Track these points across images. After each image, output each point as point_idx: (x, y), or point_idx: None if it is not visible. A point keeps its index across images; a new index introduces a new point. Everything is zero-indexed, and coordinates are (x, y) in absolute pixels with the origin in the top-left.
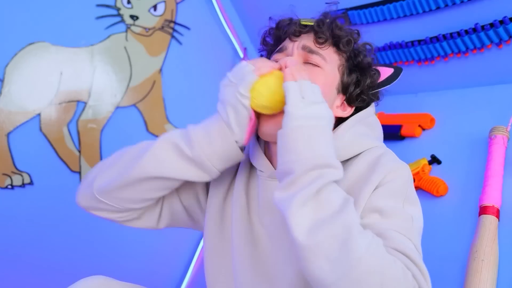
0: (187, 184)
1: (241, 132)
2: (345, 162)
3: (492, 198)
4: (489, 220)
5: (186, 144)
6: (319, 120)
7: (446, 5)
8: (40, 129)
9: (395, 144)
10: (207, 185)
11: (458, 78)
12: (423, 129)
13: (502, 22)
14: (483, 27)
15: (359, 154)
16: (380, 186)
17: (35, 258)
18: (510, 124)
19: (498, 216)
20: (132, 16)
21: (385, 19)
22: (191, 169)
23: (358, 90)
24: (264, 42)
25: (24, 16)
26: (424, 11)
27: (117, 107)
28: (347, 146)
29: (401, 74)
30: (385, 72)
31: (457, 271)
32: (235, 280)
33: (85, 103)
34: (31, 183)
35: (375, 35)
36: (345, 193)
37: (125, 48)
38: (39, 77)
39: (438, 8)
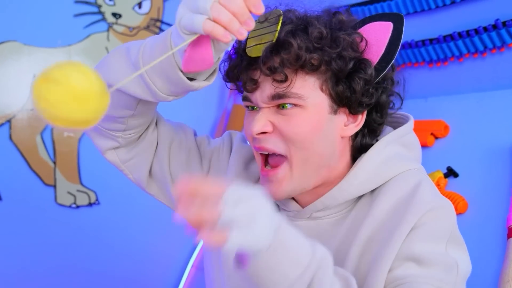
0: (178, 160)
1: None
2: (374, 191)
3: None
4: None
5: (136, 49)
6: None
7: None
8: (10, 138)
9: None
10: None
11: (474, 81)
12: (436, 138)
13: None
14: (504, 24)
15: (391, 178)
16: (417, 228)
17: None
18: None
19: None
20: (114, 14)
21: None
22: (134, 79)
23: (356, 95)
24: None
25: None
26: (437, 7)
27: None
28: (376, 173)
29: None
30: (381, 31)
31: None
32: None
33: None
34: None
35: None
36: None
37: (106, 48)
38: (10, 80)
39: (453, 2)
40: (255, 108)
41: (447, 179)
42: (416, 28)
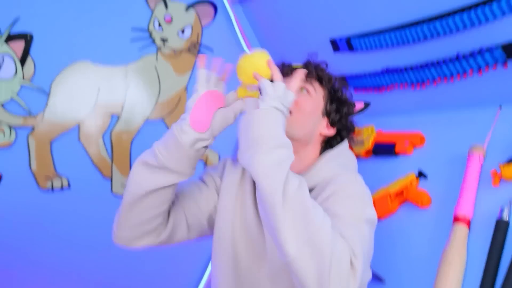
0: (196, 194)
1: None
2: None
3: (465, 209)
4: (460, 229)
5: (152, 157)
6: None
7: (432, 36)
8: (79, 139)
9: (390, 159)
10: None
11: (445, 101)
12: (414, 147)
13: (480, 52)
14: (463, 56)
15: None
16: (332, 195)
17: (71, 251)
18: (486, 143)
19: (468, 226)
20: (162, 39)
21: (381, 46)
22: (163, 176)
23: (338, 115)
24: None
25: (69, 38)
26: (413, 41)
27: (147, 120)
28: (326, 172)
29: (368, 107)
30: (358, 106)
31: (432, 273)
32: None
33: (119, 116)
34: (68, 186)
35: (374, 60)
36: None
37: (155, 67)
38: (80, 92)
39: (425, 38)
40: None
41: (418, 179)
42: (400, 57)
